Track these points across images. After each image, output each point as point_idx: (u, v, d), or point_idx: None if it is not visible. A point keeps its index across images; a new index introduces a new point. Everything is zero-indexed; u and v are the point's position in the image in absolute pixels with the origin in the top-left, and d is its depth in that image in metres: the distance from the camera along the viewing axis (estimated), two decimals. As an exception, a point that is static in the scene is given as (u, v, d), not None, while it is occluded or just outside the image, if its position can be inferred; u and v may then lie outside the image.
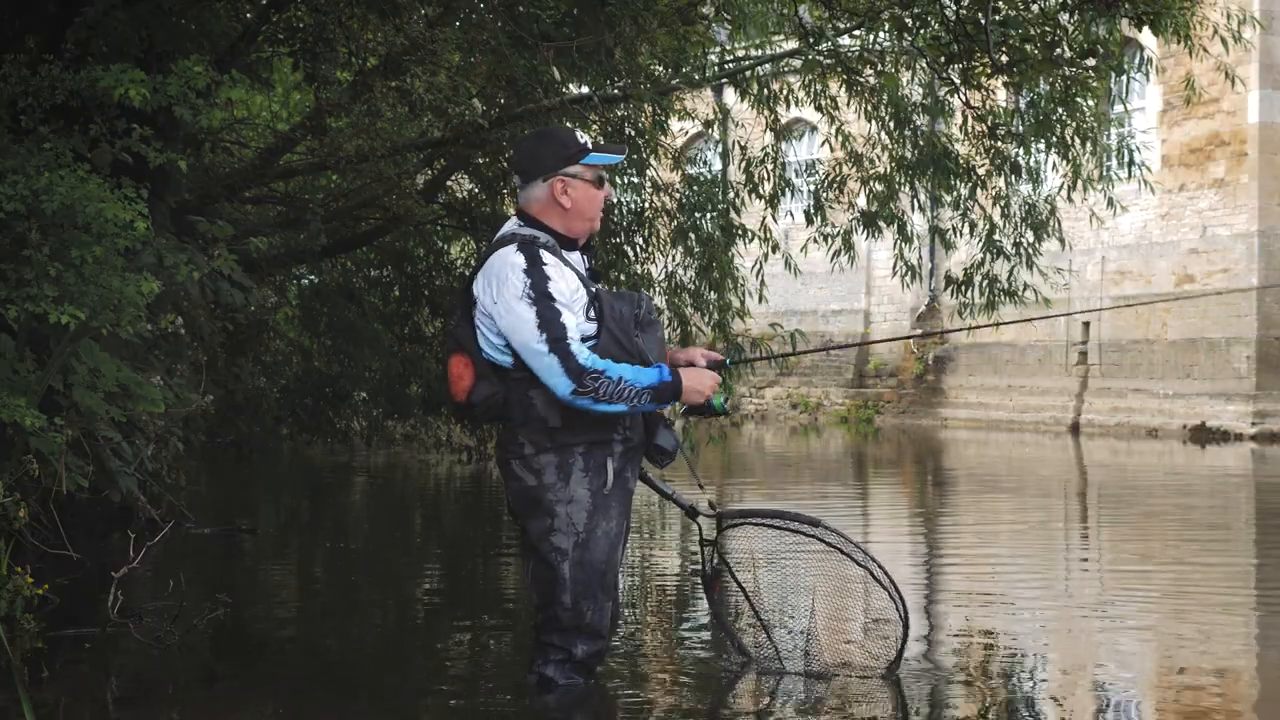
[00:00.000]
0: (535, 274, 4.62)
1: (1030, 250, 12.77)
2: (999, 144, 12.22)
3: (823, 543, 5.26)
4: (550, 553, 4.74)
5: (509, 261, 4.66)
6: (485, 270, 4.72)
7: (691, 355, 5.04)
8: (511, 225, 4.84)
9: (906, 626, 5.25)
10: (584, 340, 4.66)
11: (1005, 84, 11.82)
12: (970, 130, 12.34)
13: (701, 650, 6.01)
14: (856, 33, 11.97)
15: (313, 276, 14.66)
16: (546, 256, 4.68)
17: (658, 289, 12.22)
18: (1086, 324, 24.39)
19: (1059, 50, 10.83)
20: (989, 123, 12.13)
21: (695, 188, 12.77)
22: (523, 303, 4.60)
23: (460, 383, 4.76)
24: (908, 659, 5.59)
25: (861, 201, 12.79)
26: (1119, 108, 16.79)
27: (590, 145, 4.83)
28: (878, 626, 5.42)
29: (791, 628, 5.54)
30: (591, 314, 4.70)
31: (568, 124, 10.19)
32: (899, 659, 5.27)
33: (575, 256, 4.82)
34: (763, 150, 12.88)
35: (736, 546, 5.42)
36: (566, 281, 4.68)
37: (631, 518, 5.06)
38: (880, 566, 5.24)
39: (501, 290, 4.63)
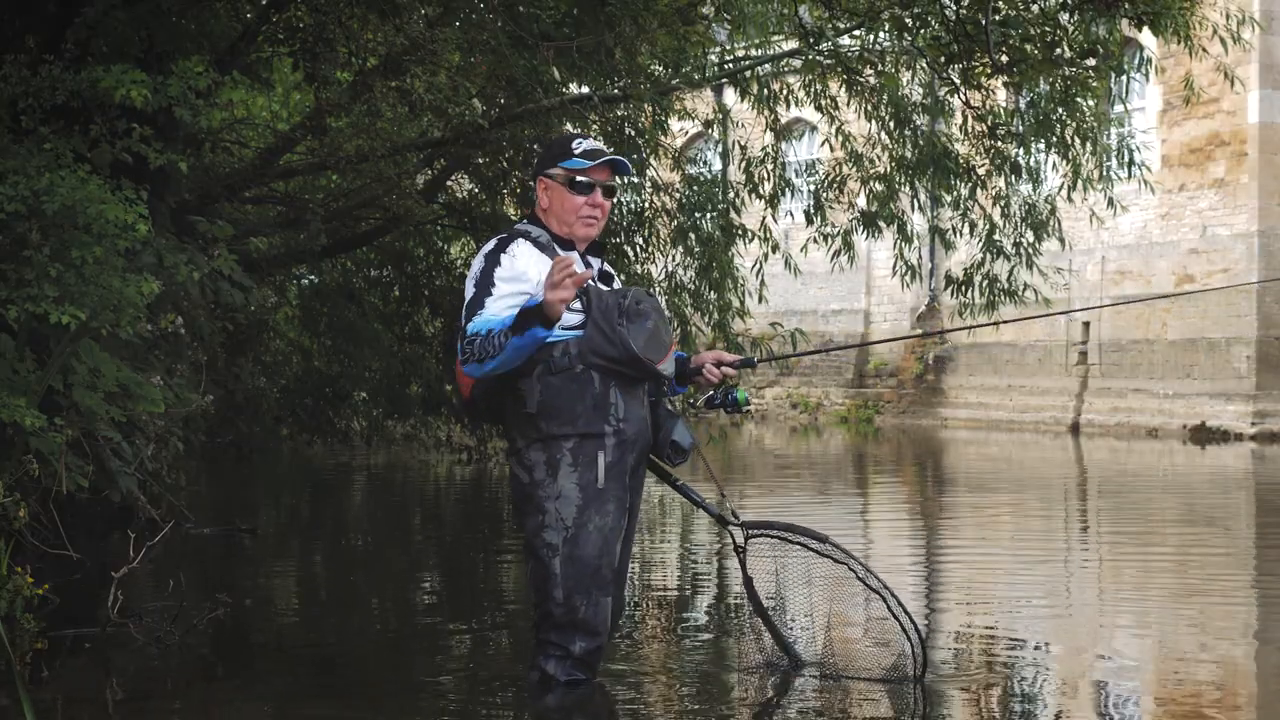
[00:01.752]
0: (491, 259, 4.80)
1: (1030, 250, 12.76)
2: (999, 144, 12.21)
3: (833, 561, 5.24)
4: (542, 548, 4.78)
5: (482, 250, 4.89)
6: None
7: (718, 354, 5.19)
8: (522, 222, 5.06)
9: (924, 655, 5.15)
10: (565, 329, 4.74)
11: (1005, 84, 11.82)
12: (970, 130, 12.33)
13: (703, 651, 6.01)
14: (856, 33, 11.96)
15: (313, 276, 14.65)
16: (519, 247, 4.81)
17: (658, 289, 12.22)
18: (1086, 324, 24.37)
19: (1059, 50, 10.83)
20: (989, 123, 12.12)
21: (695, 188, 12.77)
22: (470, 284, 4.81)
23: (466, 379, 4.89)
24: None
25: (861, 201, 12.78)
26: (1119, 108, 16.78)
27: (579, 150, 4.92)
28: (886, 644, 5.36)
29: (805, 631, 5.53)
30: (576, 305, 4.76)
31: (573, 128, 10.21)
32: (920, 677, 5.17)
33: (573, 255, 4.86)
34: (763, 150, 12.88)
35: (759, 552, 5.37)
36: (534, 272, 4.74)
37: (639, 513, 5.07)
38: (891, 593, 5.18)
39: (468, 276, 4.85)
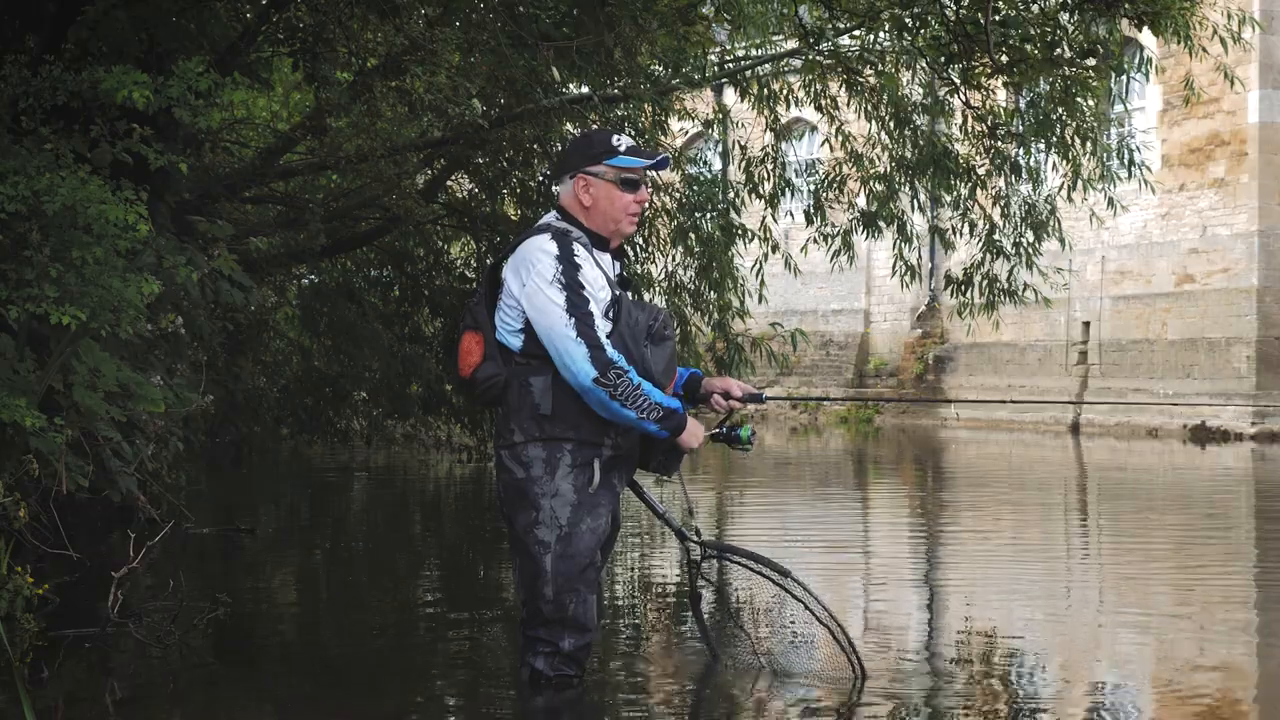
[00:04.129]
0: (567, 262, 4.72)
1: (1030, 250, 12.76)
2: (999, 144, 12.22)
3: (787, 592, 5.26)
4: (534, 545, 4.79)
5: (542, 248, 4.76)
6: (516, 255, 4.82)
7: (727, 385, 5.16)
8: (549, 217, 4.96)
9: (863, 678, 5.15)
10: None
11: (1005, 84, 11.82)
12: (970, 130, 12.34)
13: (695, 653, 6.01)
14: (856, 33, 11.97)
15: (313, 276, 14.64)
16: (579, 249, 4.77)
17: (658, 289, 12.22)
18: (1086, 324, 24.38)
19: (1059, 50, 10.83)
20: (989, 123, 12.13)
21: (695, 188, 12.76)
22: (554, 287, 4.69)
23: (468, 358, 4.86)
24: (907, 656, 5.61)
25: (861, 201, 12.78)
26: (1119, 108, 16.81)
27: (623, 148, 4.88)
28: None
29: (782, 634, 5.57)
30: (610, 315, 4.77)
31: (573, 128, 10.21)
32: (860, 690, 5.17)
33: (605, 258, 4.90)
34: (763, 150, 12.88)
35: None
36: (595, 276, 4.76)
37: (620, 520, 5.10)
38: (840, 626, 5.22)
39: (532, 274, 4.73)
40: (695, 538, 5.35)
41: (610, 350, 4.66)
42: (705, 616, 5.54)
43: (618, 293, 4.84)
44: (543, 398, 4.75)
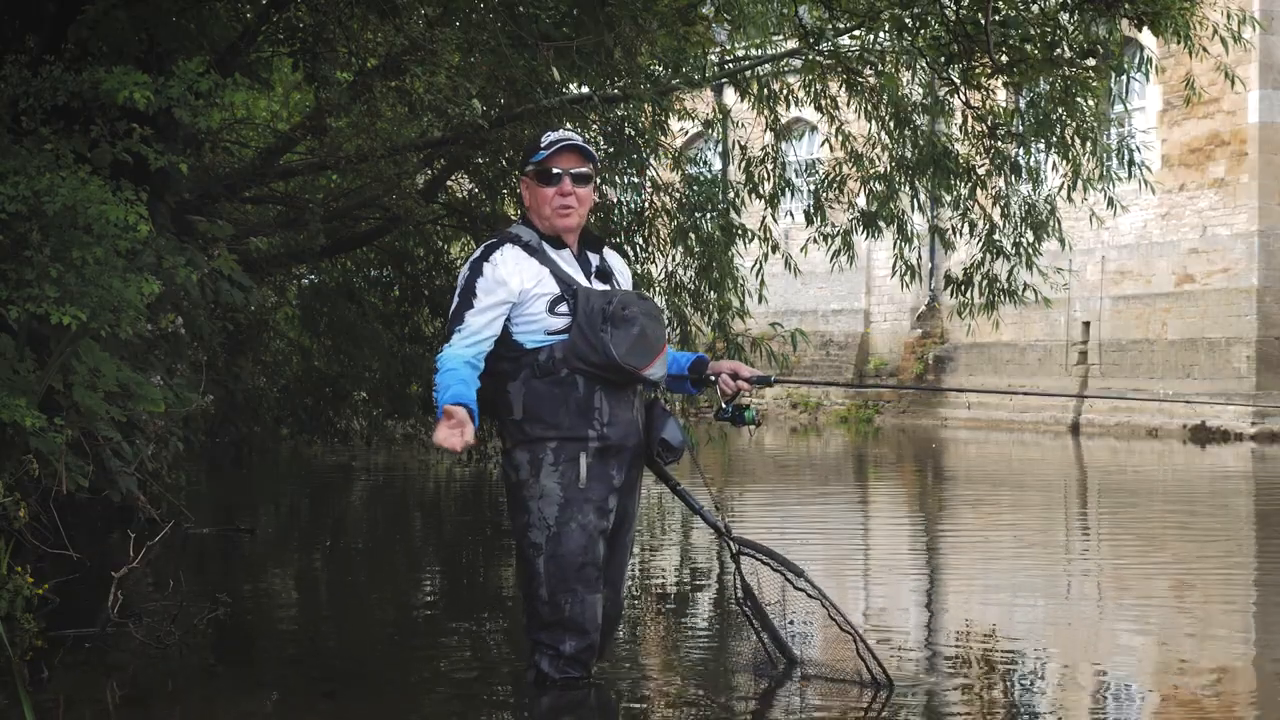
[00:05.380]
0: (474, 269, 4.86)
1: (1030, 250, 12.76)
2: (999, 144, 12.21)
3: (805, 595, 5.21)
4: (528, 548, 4.82)
5: (470, 258, 4.95)
6: None
7: (736, 366, 5.21)
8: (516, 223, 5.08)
9: (889, 685, 5.08)
10: (551, 334, 4.79)
11: (1005, 84, 11.81)
12: (970, 130, 12.33)
13: (702, 650, 6.01)
14: (856, 33, 11.96)
15: (313, 276, 14.64)
16: (502, 254, 4.86)
17: (658, 289, 12.21)
18: (1086, 324, 24.37)
19: (1059, 50, 10.83)
20: (989, 123, 12.12)
21: (695, 188, 12.74)
22: (454, 292, 4.88)
23: None
24: (907, 654, 5.61)
25: (861, 201, 12.78)
26: (1119, 108, 16.78)
27: (544, 143, 4.95)
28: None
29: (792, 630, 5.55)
30: (562, 309, 4.80)
31: (571, 128, 10.19)
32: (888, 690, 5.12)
33: (565, 254, 4.91)
34: (763, 150, 12.87)
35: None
36: (515, 280, 4.81)
37: (635, 521, 5.08)
38: (859, 634, 5.15)
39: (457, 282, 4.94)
40: (727, 532, 5.29)
41: (445, 351, 4.76)
42: (746, 612, 5.43)
43: (576, 286, 4.84)
44: (515, 401, 4.82)
